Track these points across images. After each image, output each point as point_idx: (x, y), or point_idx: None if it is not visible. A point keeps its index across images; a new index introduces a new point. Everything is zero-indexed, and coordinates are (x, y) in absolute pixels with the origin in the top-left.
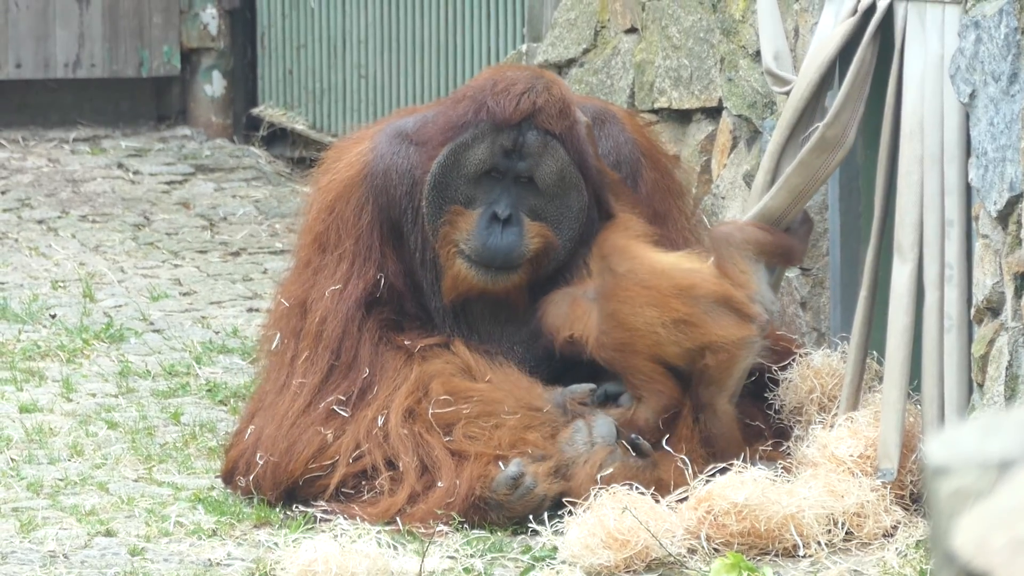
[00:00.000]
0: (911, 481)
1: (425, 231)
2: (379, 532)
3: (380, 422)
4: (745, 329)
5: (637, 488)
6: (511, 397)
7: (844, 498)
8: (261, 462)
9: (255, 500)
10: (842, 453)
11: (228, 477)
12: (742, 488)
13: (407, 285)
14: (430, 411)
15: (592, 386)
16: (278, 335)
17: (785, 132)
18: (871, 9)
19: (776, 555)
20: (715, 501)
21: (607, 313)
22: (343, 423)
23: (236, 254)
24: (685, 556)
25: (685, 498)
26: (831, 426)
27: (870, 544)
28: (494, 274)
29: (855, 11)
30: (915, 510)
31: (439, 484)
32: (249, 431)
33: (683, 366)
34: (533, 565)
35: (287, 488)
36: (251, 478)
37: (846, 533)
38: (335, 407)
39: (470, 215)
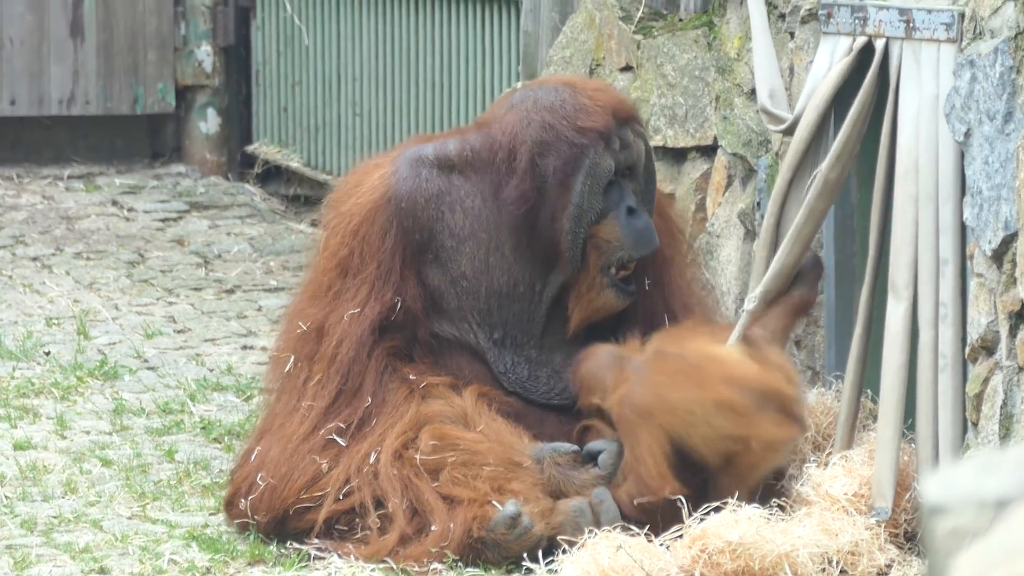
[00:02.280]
0: (905, 520)
1: (461, 255)
2: (373, 570)
3: (372, 459)
4: (788, 430)
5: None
6: (495, 450)
7: (838, 536)
8: (262, 484)
9: (251, 526)
10: (836, 492)
11: (231, 500)
12: (736, 527)
13: (424, 310)
14: (418, 457)
15: (576, 448)
16: (292, 358)
17: (787, 176)
18: (867, 48)
19: None
20: (709, 539)
21: (645, 378)
22: (339, 453)
23: (230, 291)
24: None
25: (680, 536)
26: (825, 464)
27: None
28: (629, 295)
29: (851, 50)
30: (910, 548)
31: (432, 527)
32: (256, 452)
33: (706, 453)
34: None
35: (279, 516)
36: (249, 500)
37: (840, 572)
38: (334, 435)
39: (609, 223)
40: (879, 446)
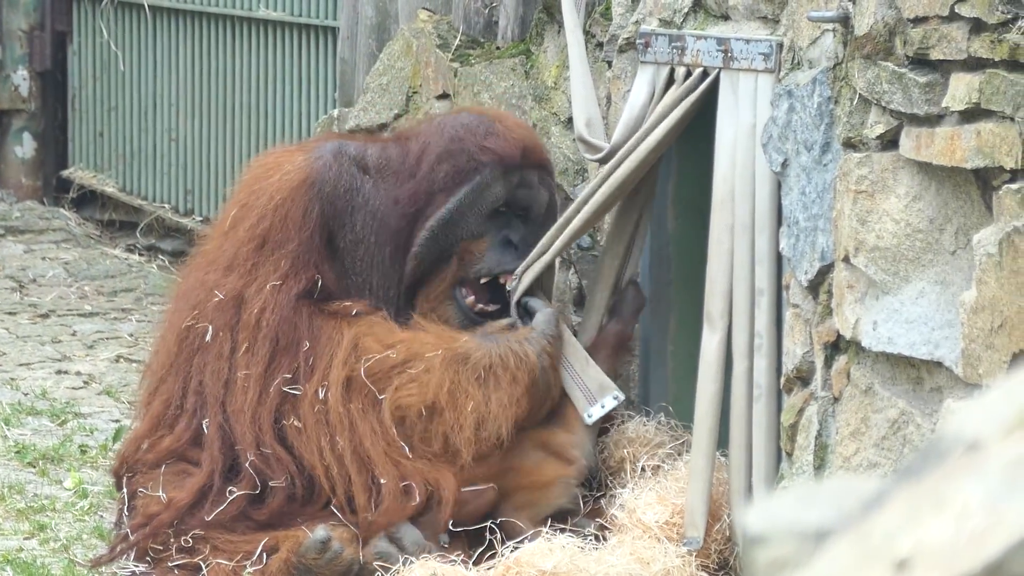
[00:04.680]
0: (716, 550)
1: (356, 255)
2: None
3: (321, 395)
4: (560, 470)
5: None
6: (433, 338)
7: (650, 565)
8: (251, 458)
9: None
10: (649, 519)
11: (123, 470)
12: (551, 555)
13: (340, 290)
14: (362, 369)
15: (509, 320)
16: (210, 327)
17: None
18: (687, 77)
19: None
20: (523, 569)
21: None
22: (295, 402)
23: (45, 316)
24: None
25: (493, 567)
26: (637, 491)
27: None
28: (471, 321)
29: (670, 80)
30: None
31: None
32: (205, 423)
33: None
34: None
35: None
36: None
37: None
38: (285, 388)
39: (482, 242)
40: (692, 475)
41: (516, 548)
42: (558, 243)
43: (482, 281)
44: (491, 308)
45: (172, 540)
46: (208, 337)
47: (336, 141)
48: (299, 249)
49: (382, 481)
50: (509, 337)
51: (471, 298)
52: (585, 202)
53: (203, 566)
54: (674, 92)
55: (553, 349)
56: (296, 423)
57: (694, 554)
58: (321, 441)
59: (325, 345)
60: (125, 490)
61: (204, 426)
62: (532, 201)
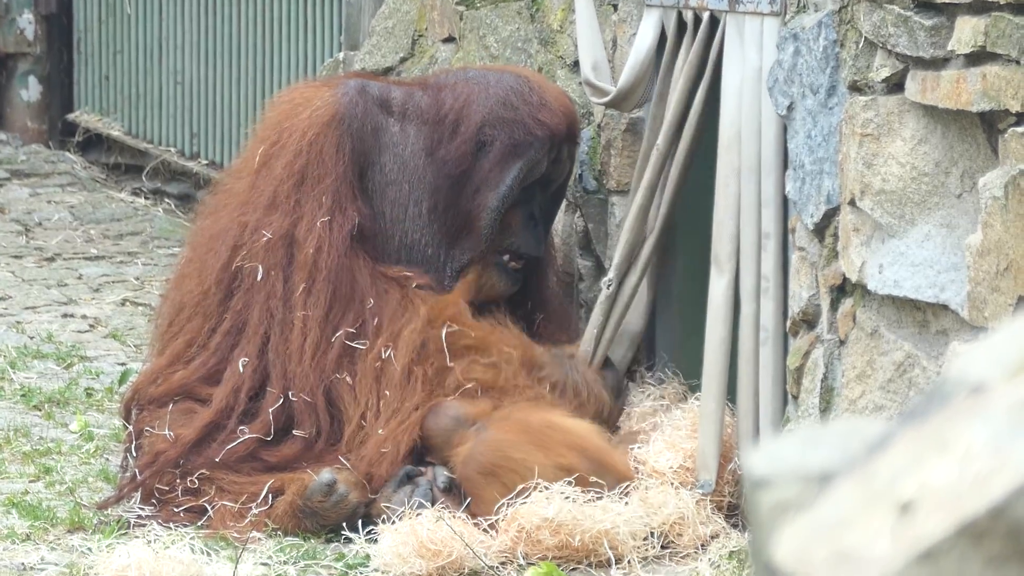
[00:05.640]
0: (729, 492)
1: (385, 197)
2: (193, 539)
3: (385, 354)
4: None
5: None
6: (510, 336)
7: (661, 510)
8: (294, 399)
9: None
10: (662, 466)
11: (132, 404)
12: (551, 504)
13: (373, 231)
14: (443, 334)
15: (576, 349)
16: (260, 268)
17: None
18: (696, 21)
19: (591, 566)
20: (525, 518)
21: (489, 438)
22: (354, 358)
23: (51, 259)
24: (499, 568)
25: (495, 521)
26: (648, 441)
27: (685, 555)
28: (517, 281)
29: (678, 24)
30: (733, 520)
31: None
32: (243, 362)
33: None
34: (346, 572)
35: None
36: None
37: (662, 546)
38: (347, 341)
39: (515, 218)
40: (702, 419)
41: (513, 504)
42: (655, 234)
43: (515, 261)
44: (520, 264)
45: (177, 481)
46: (259, 277)
47: (359, 79)
48: (337, 184)
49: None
50: (586, 370)
51: (507, 258)
52: (652, 186)
53: (208, 508)
54: (695, 50)
55: (612, 405)
56: (348, 379)
57: (708, 497)
58: (370, 398)
59: (396, 310)
60: (132, 428)
61: (240, 365)
62: (559, 175)
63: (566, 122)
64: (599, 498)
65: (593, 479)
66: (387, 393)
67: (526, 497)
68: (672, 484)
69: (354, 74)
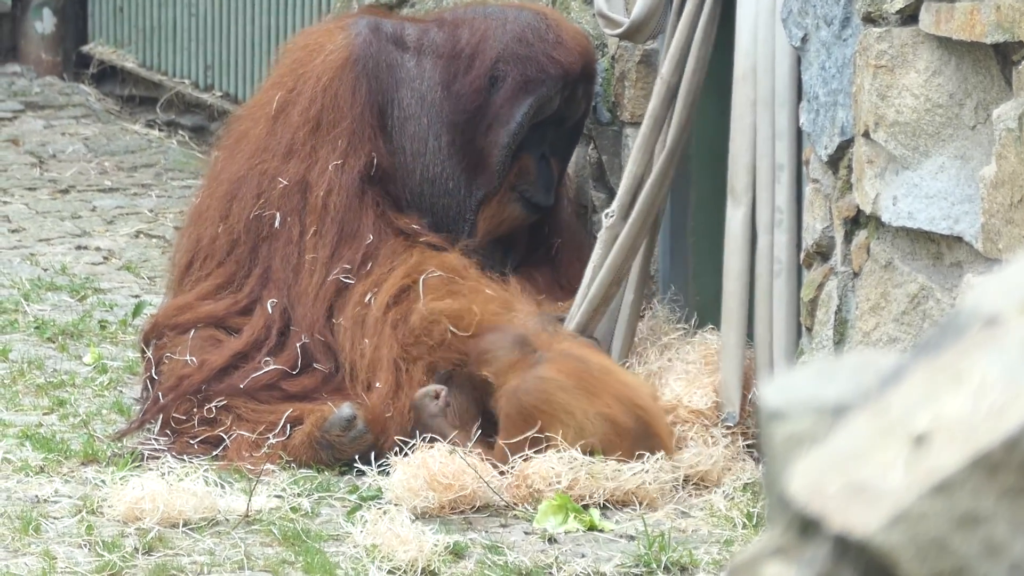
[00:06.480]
0: (754, 423)
1: (404, 132)
2: (206, 471)
3: (368, 299)
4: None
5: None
6: (497, 290)
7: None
8: (307, 340)
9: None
10: (696, 403)
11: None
12: (560, 463)
13: (393, 168)
14: (422, 280)
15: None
16: (278, 215)
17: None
18: None
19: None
20: (533, 479)
21: (540, 374)
22: (345, 292)
23: (65, 191)
24: (513, 504)
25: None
26: (665, 381)
27: (700, 487)
28: (539, 211)
29: None
30: (748, 454)
31: (377, 385)
32: (271, 303)
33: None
34: (360, 505)
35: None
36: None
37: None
38: (341, 277)
39: (530, 159)
40: (724, 351)
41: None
42: (660, 166)
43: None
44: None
45: (195, 409)
46: (277, 223)
47: (371, 17)
48: (353, 126)
49: (377, 385)
50: (561, 329)
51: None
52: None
53: (225, 438)
54: None
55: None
56: (340, 320)
57: (735, 429)
58: (354, 342)
59: (390, 254)
60: (151, 355)
61: (269, 307)
62: (573, 113)
63: (581, 61)
64: (620, 463)
65: (633, 440)
66: (365, 341)
67: (543, 451)
68: (708, 428)
69: (366, 9)
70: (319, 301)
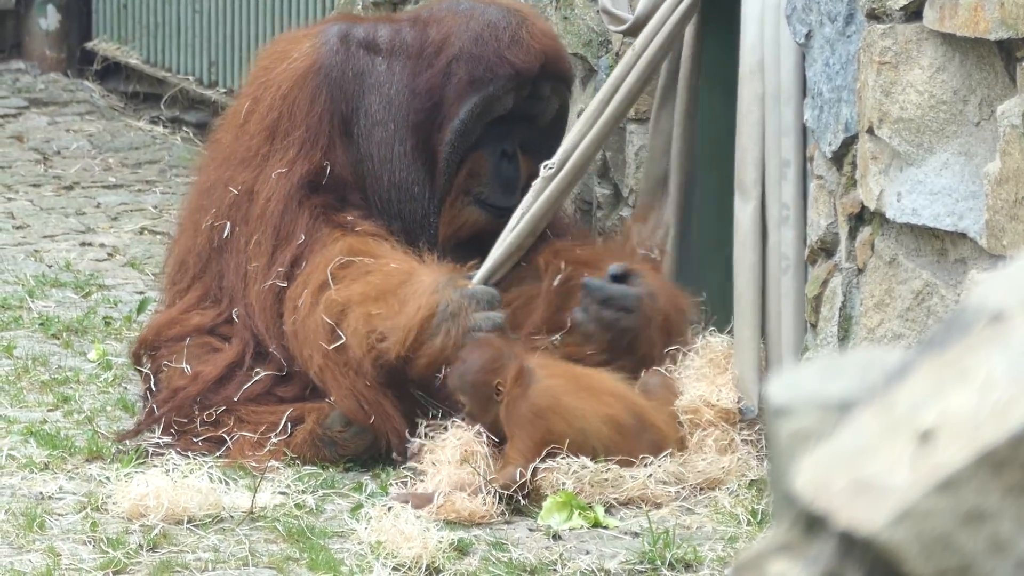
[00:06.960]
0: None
1: (372, 139)
2: (211, 467)
3: (301, 301)
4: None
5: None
6: (415, 264)
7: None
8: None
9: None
10: (723, 401)
11: (142, 350)
12: (569, 475)
13: (354, 176)
14: (329, 269)
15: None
16: (228, 224)
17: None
18: None
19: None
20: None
21: (544, 384)
22: (283, 296)
23: (69, 188)
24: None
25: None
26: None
27: (704, 485)
28: (500, 214)
29: None
30: (750, 451)
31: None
32: (235, 312)
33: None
34: (365, 502)
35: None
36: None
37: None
38: (276, 281)
39: (483, 158)
40: (737, 346)
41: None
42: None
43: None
44: (503, 205)
45: (196, 414)
46: (226, 233)
47: (343, 23)
48: (306, 135)
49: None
50: (465, 290)
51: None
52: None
53: (228, 439)
54: None
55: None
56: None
57: (750, 423)
58: (301, 351)
59: (319, 249)
60: (149, 367)
61: (235, 316)
62: (540, 111)
63: (538, 60)
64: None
65: (635, 435)
66: (304, 352)
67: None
68: (727, 432)
69: (339, 17)
70: (266, 310)
